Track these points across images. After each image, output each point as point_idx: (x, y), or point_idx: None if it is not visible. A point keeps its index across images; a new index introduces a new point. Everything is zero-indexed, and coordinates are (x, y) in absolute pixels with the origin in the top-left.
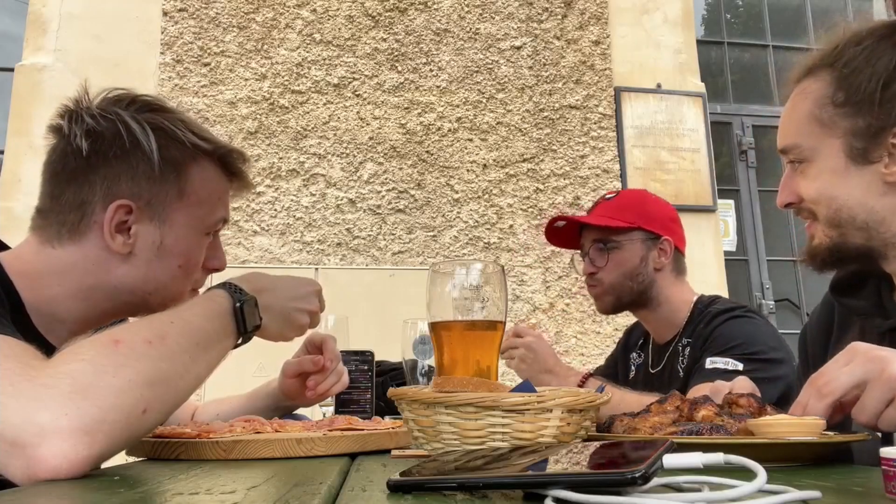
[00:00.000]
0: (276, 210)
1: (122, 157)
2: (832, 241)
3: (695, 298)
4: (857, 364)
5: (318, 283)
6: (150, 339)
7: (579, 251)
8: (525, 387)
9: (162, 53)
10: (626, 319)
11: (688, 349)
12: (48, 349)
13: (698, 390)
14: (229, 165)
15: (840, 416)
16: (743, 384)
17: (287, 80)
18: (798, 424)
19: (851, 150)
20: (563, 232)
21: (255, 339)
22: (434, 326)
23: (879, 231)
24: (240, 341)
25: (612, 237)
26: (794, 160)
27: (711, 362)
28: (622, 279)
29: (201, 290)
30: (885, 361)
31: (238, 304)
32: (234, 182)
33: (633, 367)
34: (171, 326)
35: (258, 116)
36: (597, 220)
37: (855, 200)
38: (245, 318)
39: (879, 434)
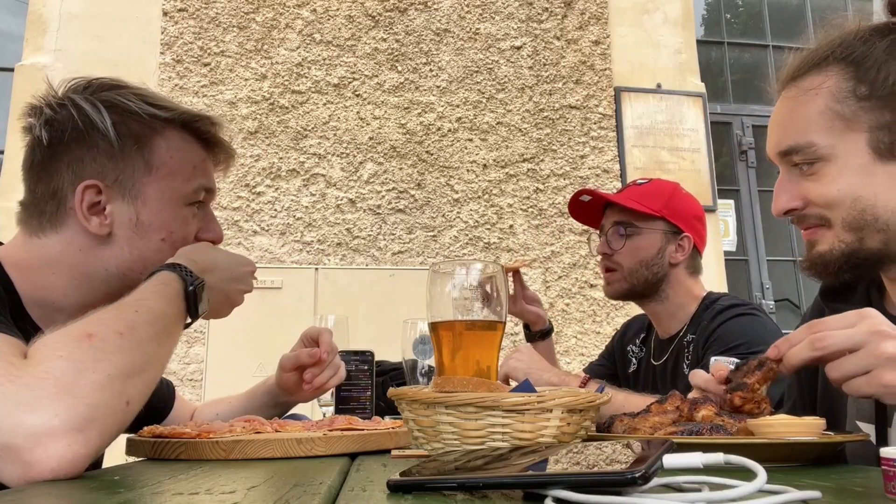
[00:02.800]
0: (276, 210)
1: (80, 139)
2: (848, 247)
3: (703, 294)
4: (859, 332)
5: (253, 263)
6: (121, 330)
7: (597, 231)
8: (525, 387)
9: (162, 53)
10: (626, 319)
11: (692, 345)
12: None
13: (696, 375)
14: (200, 132)
15: (814, 364)
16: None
17: (287, 80)
18: (798, 424)
19: (878, 146)
20: (588, 208)
21: (255, 338)
22: (434, 326)
23: None
24: (188, 321)
25: (634, 222)
26: (804, 161)
27: (715, 361)
28: (637, 266)
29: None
30: (886, 338)
31: (191, 288)
32: (213, 149)
33: (633, 361)
34: (136, 315)
35: (258, 116)
36: (622, 200)
37: (881, 200)
38: (197, 302)
39: (872, 436)
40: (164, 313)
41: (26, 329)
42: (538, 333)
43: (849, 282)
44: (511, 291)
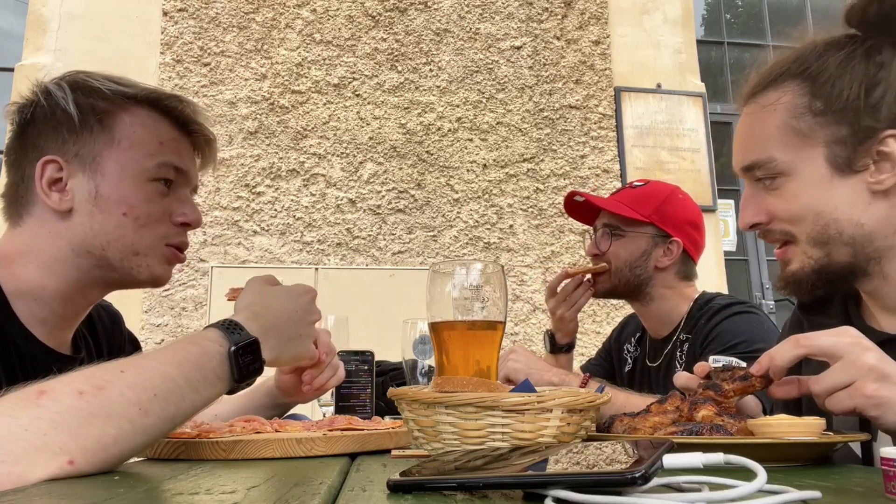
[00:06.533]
0: (276, 210)
1: (44, 118)
2: (818, 263)
3: (696, 296)
4: (843, 341)
5: (313, 289)
6: (82, 389)
7: (592, 229)
8: (525, 387)
9: (162, 53)
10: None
11: (686, 345)
12: (39, 348)
13: (680, 377)
14: (169, 110)
15: (793, 393)
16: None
17: (287, 80)
18: (798, 424)
19: (835, 160)
20: (585, 208)
21: None
22: (434, 326)
23: (864, 246)
24: (236, 387)
25: (621, 225)
26: (766, 176)
27: (714, 360)
28: (621, 267)
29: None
30: (866, 350)
31: (233, 348)
32: (188, 130)
33: (629, 360)
34: (118, 376)
35: (258, 116)
36: (610, 205)
37: (842, 213)
38: (239, 364)
39: (872, 436)
40: (163, 376)
41: (13, 332)
42: (564, 346)
43: (825, 296)
44: (558, 289)
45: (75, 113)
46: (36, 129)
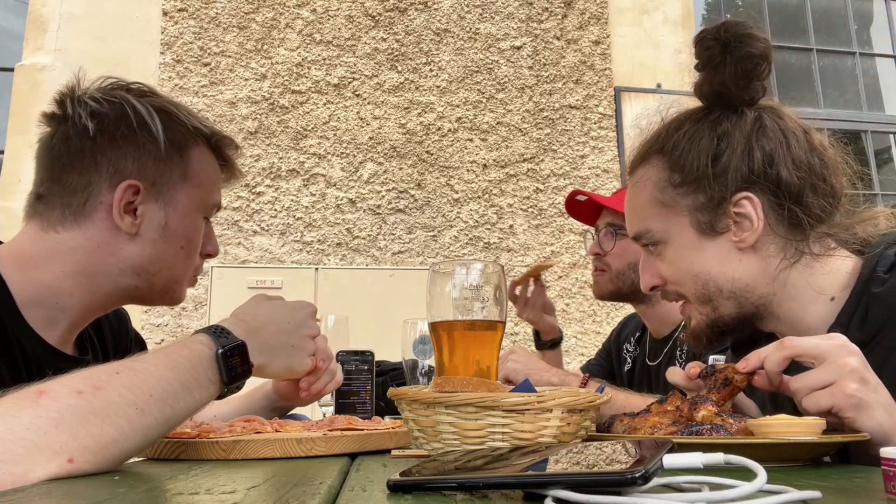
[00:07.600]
0: (276, 210)
1: (129, 137)
2: (708, 318)
3: None
4: (828, 343)
5: (312, 304)
6: (80, 389)
7: (594, 228)
8: (525, 387)
9: (162, 53)
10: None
11: (686, 344)
12: (44, 348)
13: (673, 372)
14: (221, 152)
15: (772, 387)
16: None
17: (287, 80)
18: (798, 424)
19: (699, 225)
20: (584, 207)
21: None
22: (434, 326)
23: (747, 297)
24: (226, 390)
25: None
26: (650, 243)
27: (714, 360)
28: (625, 268)
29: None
30: (851, 354)
31: (221, 351)
32: (225, 169)
33: (628, 359)
34: (114, 377)
35: (258, 116)
36: (614, 203)
37: (716, 272)
38: (229, 367)
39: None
40: (158, 378)
41: (19, 335)
42: (549, 342)
43: (752, 336)
44: (528, 295)
45: (164, 143)
46: (114, 144)
